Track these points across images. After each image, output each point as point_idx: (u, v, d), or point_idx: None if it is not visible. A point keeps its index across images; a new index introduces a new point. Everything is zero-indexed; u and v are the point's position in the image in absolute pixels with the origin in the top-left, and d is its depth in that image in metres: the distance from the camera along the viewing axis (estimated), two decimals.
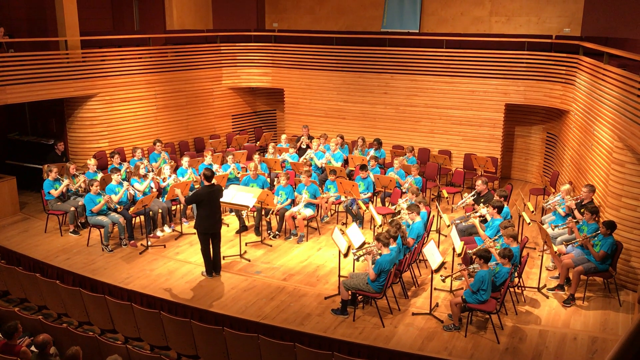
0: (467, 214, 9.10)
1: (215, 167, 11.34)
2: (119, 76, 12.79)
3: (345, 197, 10.41)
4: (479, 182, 9.58)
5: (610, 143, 8.57)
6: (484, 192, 9.54)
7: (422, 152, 13.15)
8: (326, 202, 10.70)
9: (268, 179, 11.24)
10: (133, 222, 10.04)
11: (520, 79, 12.13)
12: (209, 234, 8.57)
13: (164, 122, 13.79)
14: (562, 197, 9.07)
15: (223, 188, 8.74)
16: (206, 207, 8.48)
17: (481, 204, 9.10)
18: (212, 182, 8.56)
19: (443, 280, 7.70)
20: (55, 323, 6.98)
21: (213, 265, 8.71)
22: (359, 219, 10.40)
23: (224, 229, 9.86)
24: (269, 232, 10.25)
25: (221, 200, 8.75)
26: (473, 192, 9.62)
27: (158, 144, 12.07)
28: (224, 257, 9.11)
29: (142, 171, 10.60)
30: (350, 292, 7.53)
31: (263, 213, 10.20)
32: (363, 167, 10.79)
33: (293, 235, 10.09)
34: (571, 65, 11.23)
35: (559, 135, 12.21)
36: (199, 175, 11.27)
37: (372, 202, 10.83)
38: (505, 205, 8.83)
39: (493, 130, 12.63)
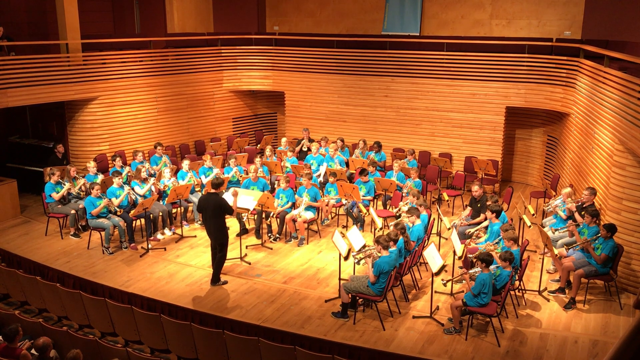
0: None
1: (216, 170, 11.34)
2: (119, 79, 12.81)
3: (346, 199, 10.41)
4: (475, 188, 9.56)
5: (610, 146, 8.57)
6: (480, 197, 9.52)
7: (422, 155, 13.15)
8: (327, 205, 10.69)
9: (269, 182, 11.24)
10: (133, 225, 10.04)
11: (521, 81, 12.13)
12: (211, 242, 8.57)
13: (164, 125, 13.80)
14: (563, 200, 9.06)
15: (221, 201, 8.33)
16: (202, 214, 8.54)
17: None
18: (213, 190, 8.40)
19: (444, 284, 7.69)
20: (56, 326, 6.98)
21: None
22: (359, 221, 10.40)
23: None
24: (269, 235, 10.24)
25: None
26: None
27: (159, 147, 12.07)
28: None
29: (143, 174, 10.61)
30: (350, 295, 7.52)
31: (264, 216, 10.20)
32: (363, 172, 10.76)
33: (293, 238, 10.09)
34: (572, 68, 11.23)
35: (559, 138, 12.20)
36: (199, 178, 11.28)
37: (373, 205, 10.82)
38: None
39: (494, 133, 12.62)
